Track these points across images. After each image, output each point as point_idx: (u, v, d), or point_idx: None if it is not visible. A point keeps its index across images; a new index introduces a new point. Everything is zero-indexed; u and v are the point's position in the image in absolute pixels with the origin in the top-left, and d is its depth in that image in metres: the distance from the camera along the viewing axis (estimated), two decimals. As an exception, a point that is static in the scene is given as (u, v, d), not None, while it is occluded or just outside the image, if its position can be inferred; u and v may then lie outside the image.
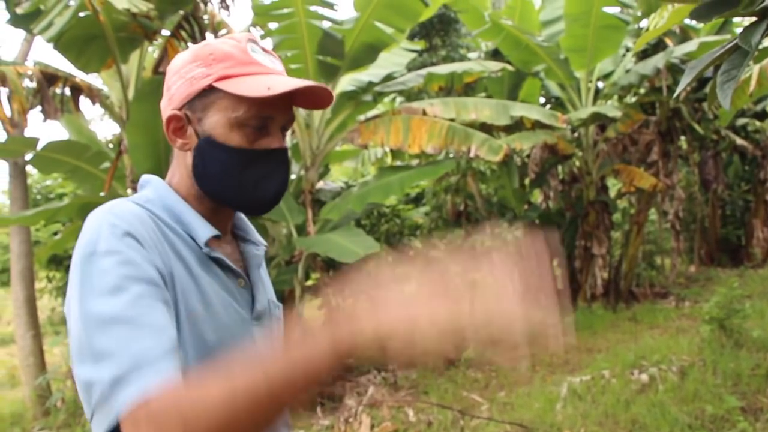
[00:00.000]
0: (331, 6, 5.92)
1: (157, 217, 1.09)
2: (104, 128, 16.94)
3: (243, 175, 1.13)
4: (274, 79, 1.11)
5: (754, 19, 1.54)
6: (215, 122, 1.12)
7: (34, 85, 5.23)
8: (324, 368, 0.93)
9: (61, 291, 13.35)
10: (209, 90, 1.12)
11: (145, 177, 1.21)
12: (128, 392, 0.86)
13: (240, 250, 1.25)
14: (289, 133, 7.13)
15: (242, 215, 1.29)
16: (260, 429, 0.90)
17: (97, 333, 0.91)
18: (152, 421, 0.84)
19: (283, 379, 0.89)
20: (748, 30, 1.50)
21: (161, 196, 1.15)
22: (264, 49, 1.18)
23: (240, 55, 1.13)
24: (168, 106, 1.17)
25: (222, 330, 1.09)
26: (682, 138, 10.74)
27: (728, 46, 1.59)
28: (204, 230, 1.13)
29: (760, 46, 1.51)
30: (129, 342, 0.89)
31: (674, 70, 8.65)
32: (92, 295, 0.93)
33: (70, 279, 0.99)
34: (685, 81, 1.58)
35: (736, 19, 6.99)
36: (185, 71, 1.15)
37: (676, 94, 1.74)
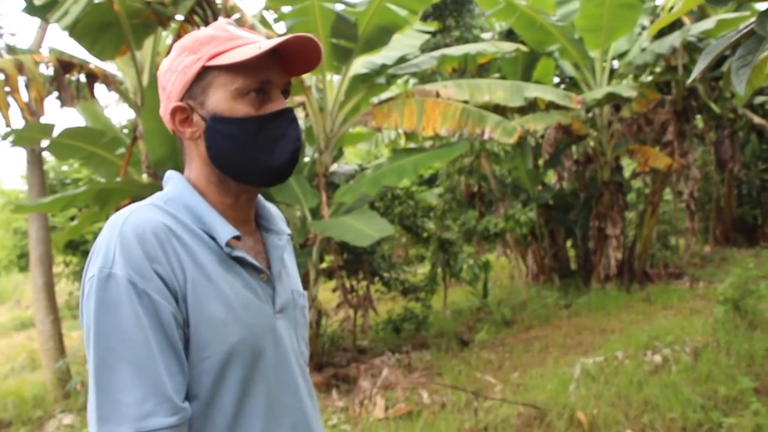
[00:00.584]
0: (344, -12, 5.91)
1: (176, 220, 1.12)
2: (119, 114, 16.95)
3: (257, 142, 1.15)
4: (261, 42, 1.14)
5: None
6: (218, 99, 1.14)
7: (50, 72, 5.28)
8: None
9: (78, 275, 13.52)
10: (204, 72, 1.15)
11: (168, 174, 1.24)
12: None
13: (264, 240, 1.27)
14: (302, 116, 7.12)
15: (265, 203, 1.32)
16: None
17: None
18: None
19: None
20: (764, 15, 1.50)
21: (182, 194, 1.17)
22: (243, 28, 1.21)
23: (222, 33, 1.16)
24: (168, 103, 1.19)
25: (244, 329, 1.11)
26: (698, 117, 10.64)
27: (744, 31, 1.59)
28: (225, 231, 1.15)
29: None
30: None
31: (691, 49, 8.56)
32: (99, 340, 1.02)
33: (86, 299, 1.06)
34: (700, 66, 1.59)
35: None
36: (176, 65, 1.17)
37: (691, 79, 1.74)
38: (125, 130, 7.90)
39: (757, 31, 1.54)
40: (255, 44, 1.13)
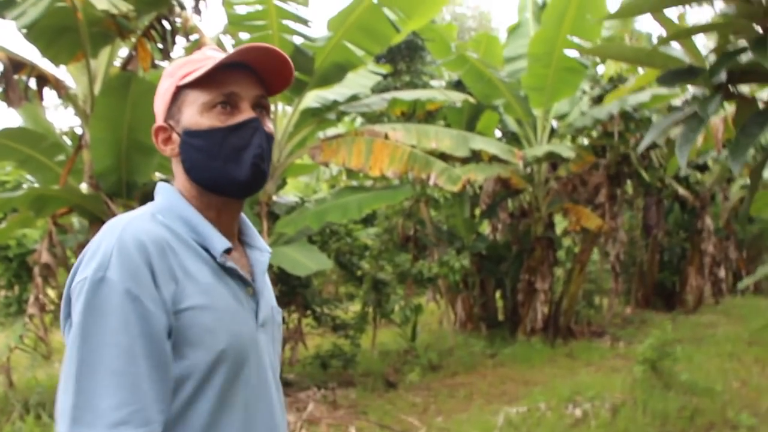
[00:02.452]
0: (305, 22, 6.01)
1: (171, 231, 1.15)
2: (59, 119, 16.50)
3: (222, 152, 1.18)
4: (222, 57, 1.19)
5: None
6: (189, 115, 1.20)
7: (-3, 70, 5.15)
8: None
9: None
10: (178, 92, 1.21)
11: (160, 185, 1.26)
12: None
13: (247, 255, 1.31)
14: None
15: (247, 221, 1.35)
16: None
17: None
18: None
19: None
20: (706, 101, 1.66)
21: (176, 205, 1.21)
22: (226, 52, 1.25)
23: (198, 56, 1.24)
24: (155, 125, 1.25)
25: (231, 338, 1.14)
26: (629, 182, 11.13)
27: (688, 113, 1.75)
28: (219, 242, 1.18)
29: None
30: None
31: (627, 117, 9.00)
32: (82, 347, 1.03)
33: (75, 301, 1.07)
34: (648, 139, 1.72)
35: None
36: (160, 89, 1.26)
37: (640, 150, 1.90)
38: (65, 137, 7.71)
39: (698, 113, 1.70)
40: (219, 60, 1.18)
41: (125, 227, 1.10)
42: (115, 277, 1.04)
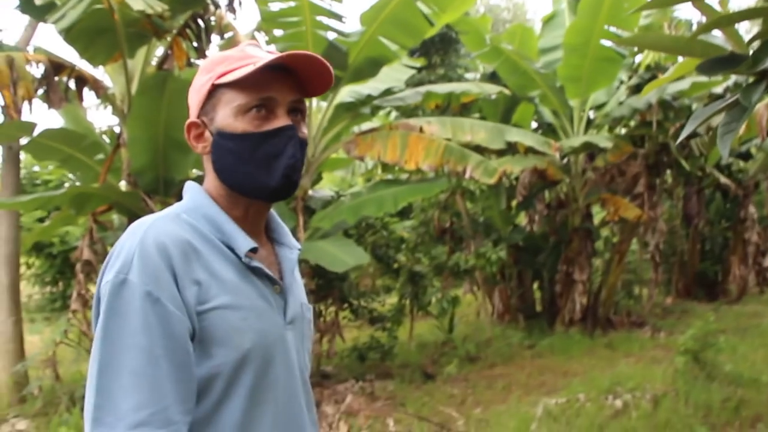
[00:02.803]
0: (339, 18, 6.02)
1: (196, 230, 1.16)
2: (99, 119, 16.86)
3: (255, 158, 1.17)
4: (264, 60, 1.17)
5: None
6: (223, 116, 1.18)
7: (38, 72, 5.26)
8: None
9: (40, 279, 13.29)
10: (214, 90, 1.20)
11: (187, 184, 1.27)
12: None
13: (275, 253, 1.30)
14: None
15: (276, 217, 1.35)
16: None
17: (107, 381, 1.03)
18: None
19: None
20: (749, 88, 1.62)
21: (201, 204, 1.21)
22: (265, 49, 1.25)
23: (237, 53, 1.22)
24: (188, 119, 1.25)
25: (258, 337, 1.14)
26: (668, 172, 10.95)
27: (729, 101, 1.71)
28: (244, 242, 1.18)
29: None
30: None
31: (665, 106, 8.84)
32: (105, 348, 1.04)
33: (101, 304, 1.08)
34: (689, 128, 1.69)
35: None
36: (195, 84, 1.24)
37: (679, 140, 1.86)
38: (104, 136, 7.86)
39: (741, 102, 1.66)
40: (259, 62, 1.16)
41: (147, 230, 1.11)
42: (136, 280, 1.04)
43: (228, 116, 1.18)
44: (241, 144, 1.17)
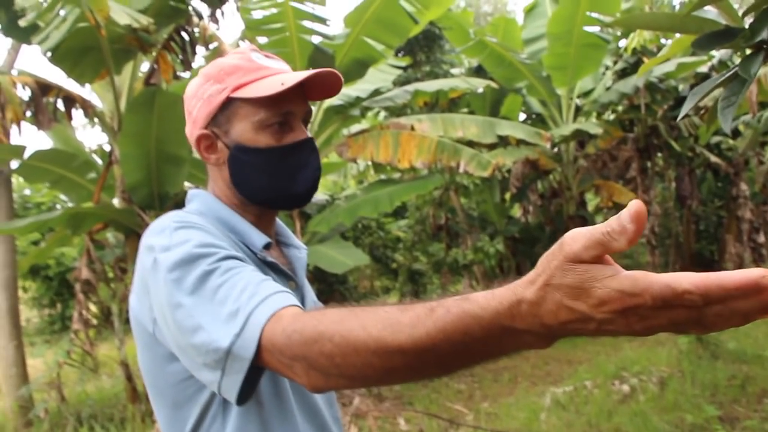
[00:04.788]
0: (323, 21, 6.02)
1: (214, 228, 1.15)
2: (88, 138, 16.77)
3: (279, 171, 1.18)
4: (284, 75, 1.17)
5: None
6: (241, 130, 1.17)
7: (25, 94, 5.25)
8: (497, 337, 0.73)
9: (37, 302, 13.23)
10: (228, 102, 1.17)
11: (192, 191, 1.26)
12: (260, 315, 0.90)
13: (285, 254, 1.31)
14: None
15: (279, 222, 1.34)
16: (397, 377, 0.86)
17: (205, 303, 0.95)
18: (291, 331, 0.86)
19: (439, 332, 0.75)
20: (748, 60, 1.63)
21: (212, 208, 1.21)
22: (266, 55, 1.24)
23: (247, 64, 1.19)
24: (194, 129, 1.22)
25: None
26: (659, 155, 10.99)
27: (728, 75, 1.72)
28: (259, 238, 1.19)
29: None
30: (243, 294, 0.94)
31: (652, 89, 8.88)
32: (184, 280, 0.98)
33: (146, 276, 1.05)
34: (689, 104, 1.69)
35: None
36: (201, 92, 1.20)
37: (680, 118, 1.86)
38: (95, 155, 7.84)
39: (740, 74, 1.66)
40: (278, 78, 1.16)
41: (176, 214, 1.12)
42: (183, 237, 1.04)
43: (248, 131, 1.17)
44: (265, 158, 1.18)
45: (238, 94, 1.16)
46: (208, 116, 1.19)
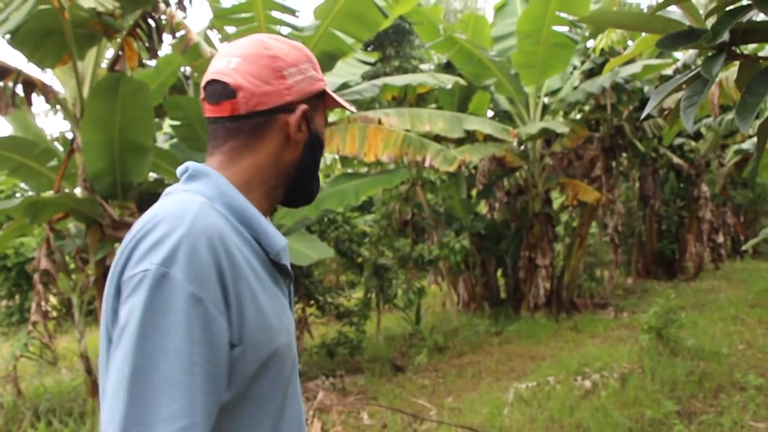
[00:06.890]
0: (292, 12, 5.97)
1: (228, 222, 1.07)
2: (49, 124, 16.42)
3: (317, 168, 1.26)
4: (340, 95, 1.23)
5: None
6: (319, 124, 1.24)
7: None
8: None
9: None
10: (321, 93, 1.23)
11: (195, 167, 1.15)
12: None
13: None
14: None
15: None
16: None
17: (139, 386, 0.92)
18: None
19: None
20: (709, 61, 1.65)
21: (227, 193, 1.11)
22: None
23: (310, 67, 1.22)
24: (284, 94, 1.15)
25: (286, 332, 1.12)
26: (624, 155, 11.15)
27: (690, 75, 1.74)
28: (279, 240, 1.14)
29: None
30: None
31: (618, 90, 9.00)
32: (150, 349, 0.93)
33: (132, 294, 0.96)
34: (652, 103, 1.71)
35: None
36: (303, 68, 1.18)
37: (642, 118, 1.89)
38: (56, 143, 7.67)
39: (702, 74, 1.68)
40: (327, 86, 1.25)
41: (195, 218, 1.00)
42: (180, 277, 0.94)
43: (322, 127, 1.25)
44: (320, 156, 1.26)
45: (329, 90, 1.24)
46: (306, 94, 1.19)
